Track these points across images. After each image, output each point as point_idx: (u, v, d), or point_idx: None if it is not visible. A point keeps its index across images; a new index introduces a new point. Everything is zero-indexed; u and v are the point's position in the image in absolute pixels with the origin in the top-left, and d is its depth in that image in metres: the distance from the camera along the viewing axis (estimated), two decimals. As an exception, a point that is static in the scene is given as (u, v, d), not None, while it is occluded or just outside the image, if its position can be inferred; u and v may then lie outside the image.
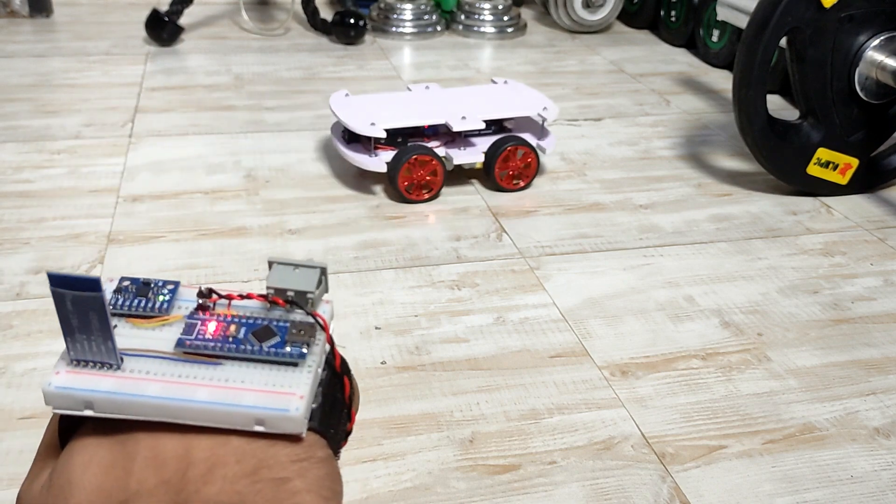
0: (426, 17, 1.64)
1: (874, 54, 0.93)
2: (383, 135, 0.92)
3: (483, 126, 0.96)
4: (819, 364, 0.71)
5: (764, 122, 0.95)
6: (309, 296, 0.27)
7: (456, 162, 0.96)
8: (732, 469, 0.59)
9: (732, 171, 1.08)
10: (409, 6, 1.63)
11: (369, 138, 0.95)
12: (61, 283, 0.24)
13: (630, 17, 1.76)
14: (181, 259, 0.82)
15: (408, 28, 1.63)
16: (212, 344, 0.26)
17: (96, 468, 0.24)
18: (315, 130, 1.15)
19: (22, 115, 1.16)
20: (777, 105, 1.31)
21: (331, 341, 0.27)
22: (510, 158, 0.97)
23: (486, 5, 1.66)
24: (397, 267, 0.83)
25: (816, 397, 0.67)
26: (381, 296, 0.78)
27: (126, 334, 0.26)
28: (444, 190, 0.98)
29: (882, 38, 0.93)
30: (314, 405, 0.25)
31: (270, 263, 0.28)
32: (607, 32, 1.72)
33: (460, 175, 1.02)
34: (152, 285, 0.28)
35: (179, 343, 0.26)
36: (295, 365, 0.26)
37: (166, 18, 1.47)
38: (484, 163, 0.97)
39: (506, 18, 1.67)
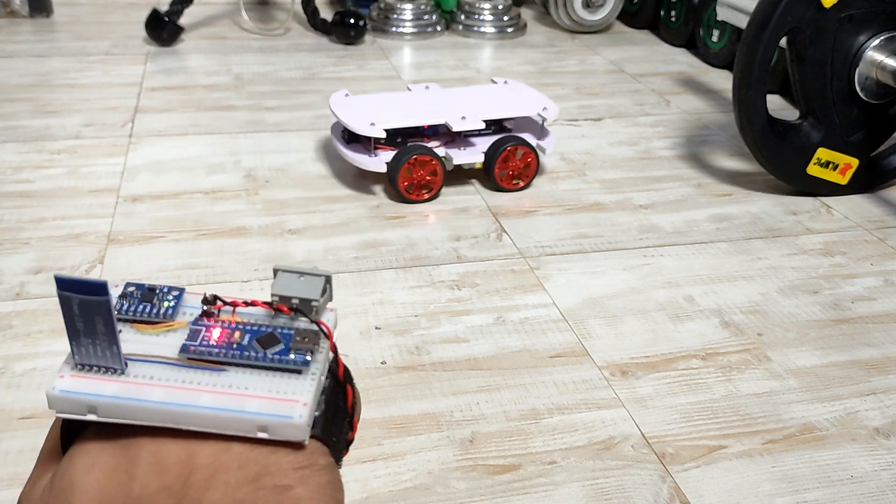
0: (426, 17, 1.64)
1: (874, 54, 0.93)
2: (383, 135, 0.92)
3: (483, 126, 0.96)
4: (819, 364, 0.71)
5: (764, 122, 0.95)
6: (313, 304, 0.27)
7: (456, 162, 0.96)
8: (732, 469, 0.59)
9: (732, 171, 1.08)
10: (409, 6, 1.63)
11: (369, 138, 0.95)
12: (68, 287, 0.24)
13: (630, 17, 1.76)
14: (181, 259, 0.82)
15: (408, 28, 1.63)
16: (216, 350, 0.26)
17: (98, 472, 0.24)
18: (315, 130, 1.15)
19: (22, 115, 1.16)
20: (777, 105, 1.31)
21: (334, 349, 0.27)
22: (510, 158, 0.97)
23: (486, 5, 1.66)
24: (397, 267, 0.83)
25: (816, 397, 0.67)
26: (381, 296, 0.78)
27: (130, 340, 0.26)
28: (444, 190, 0.98)
29: (882, 38, 0.93)
30: (317, 413, 0.25)
31: (275, 271, 0.28)
32: (607, 32, 1.72)
33: (460, 175, 1.02)
34: (157, 291, 0.28)
35: (184, 349, 0.26)
36: (298, 372, 0.26)
37: (166, 18, 1.47)
38: (484, 163, 0.97)
39: (506, 18, 1.67)
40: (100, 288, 0.24)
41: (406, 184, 0.94)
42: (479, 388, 0.66)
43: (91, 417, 0.25)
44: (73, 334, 0.25)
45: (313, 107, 1.24)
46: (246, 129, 1.15)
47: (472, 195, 0.98)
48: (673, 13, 1.63)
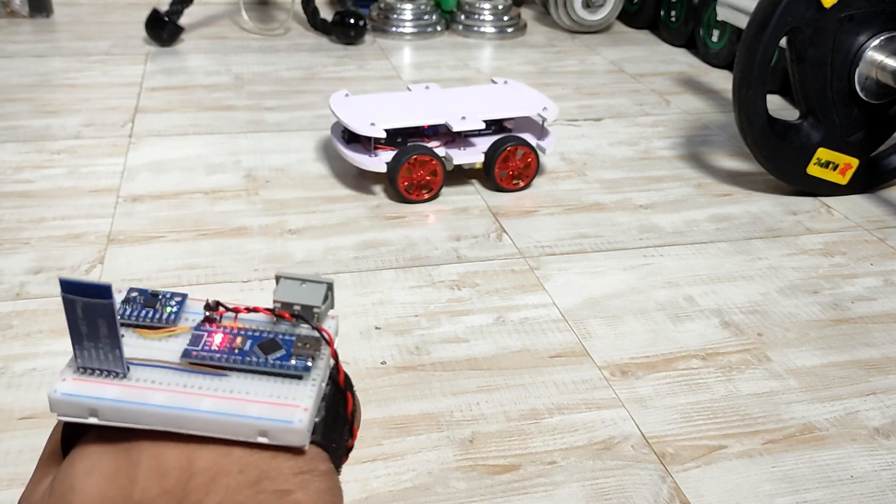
0: (426, 17, 1.64)
1: (874, 54, 0.93)
2: (383, 135, 0.92)
3: (483, 126, 0.96)
4: (819, 364, 0.71)
5: (764, 122, 0.95)
6: (315, 310, 0.27)
7: (456, 162, 0.96)
8: (732, 469, 0.59)
9: (732, 171, 1.08)
10: (409, 6, 1.63)
11: (369, 138, 0.95)
12: (72, 290, 0.24)
13: (630, 17, 1.76)
14: (181, 259, 0.82)
15: (408, 28, 1.63)
16: (217, 355, 0.26)
17: (99, 476, 0.24)
18: (315, 130, 1.15)
19: (22, 115, 1.16)
20: (777, 105, 1.31)
21: (335, 356, 0.27)
22: (510, 158, 0.97)
23: (486, 5, 1.66)
24: (397, 267, 0.83)
25: (816, 397, 0.67)
26: (381, 296, 0.78)
27: (133, 344, 0.26)
28: (444, 190, 0.98)
29: (882, 38, 0.93)
30: (317, 419, 0.25)
31: (278, 278, 0.28)
32: (607, 32, 1.72)
33: (460, 175, 1.02)
34: (160, 297, 0.28)
35: (185, 354, 0.26)
36: (299, 378, 0.26)
37: (166, 18, 1.47)
38: (484, 163, 0.97)
39: (506, 18, 1.67)
40: (104, 291, 0.24)
41: (406, 184, 0.94)
42: (479, 388, 0.66)
43: (92, 421, 0.25)
44: (76, 337, 0.25)
45: (313, 107, 1.24)
46: (246, 129, 1.15)
47: (472, 195, 0.98)
48: (673, 13, 1.63)
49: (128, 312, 0.27)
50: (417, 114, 0.97)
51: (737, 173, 1.07)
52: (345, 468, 0.28)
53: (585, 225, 0.93)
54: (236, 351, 0.26)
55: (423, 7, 1.64)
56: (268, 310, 0.28)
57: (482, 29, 1.66)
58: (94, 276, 0.79)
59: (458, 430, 0.62)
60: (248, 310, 0.28)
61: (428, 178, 0.94)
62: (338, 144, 0.98)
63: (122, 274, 0.79)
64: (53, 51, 1.45)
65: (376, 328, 0.73)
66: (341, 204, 0.95)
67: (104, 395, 0.25)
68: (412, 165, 0.93)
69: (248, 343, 0.26)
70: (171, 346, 0.26)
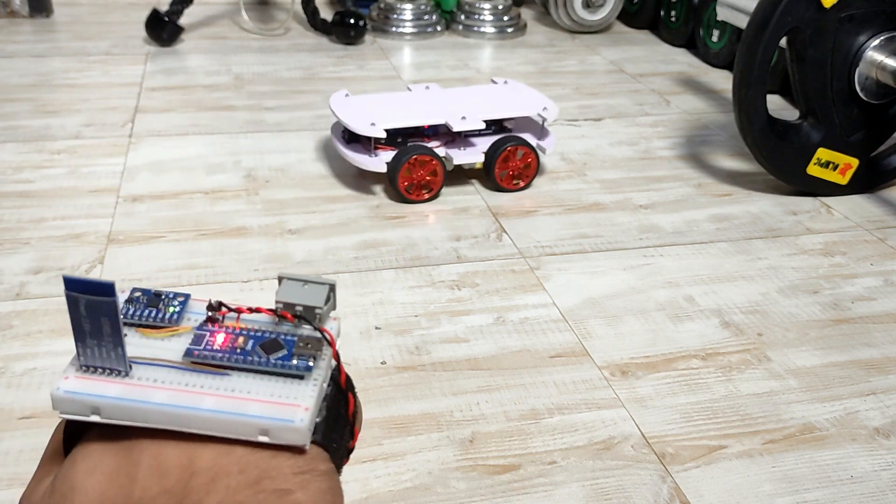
0: (426, 17, 1.64)
1: (874, 54, 0.93)
2: (383, 135, 0.92)
3: (483, 126, 0.96)
4: (819, 364, 0.71)
5: (764, 122, 0.95)
6: (317, 311, 0.27)
7: (456, 162, 0.96)
8: (732, 469, 0.59)
9: (732, 171, 1.08)
10: (409, 6, 1.63)
11: (369, 138, 0.95)
12: (76, 287, 0.24)
13: (630, 17, 1.76)
14: (181, 259, 0.82)
15: (408, 28, 1.63)
16: (219, 354, 0.26)
17: (100, 475, 0.24)
18: (315, 130, 1.15)
19: (22, 115, 1.16)
20: (777, 105, 1.31)
21: (337, 357, 0.27)
22: (510, 158, 0.97)
23: (486, 5, 1.66)
24: (397, 267, 0.83)
25: (816, 397, 0.67)
26: (381, 296, 0.78)
27: (135, 343, 0.27)
28: (444, 190, 0.98)
29: (882, 38, 0.93)
30: (318, 419, 0.26)
31: (280, 279, 0.28)
32: (607, 32, 1.72)
33: (460, 175, 1.02)
34: (163, 296, 0.28)
35: (188, 353, 0.26)
36: (301, 378, 0.26)
37: (166, 18, 1.47)
38: (484, 163, 0.97)
39: (506, 18, 1.67)
40: (107, 288, 0.24)
41: (406, 184, 0.94)
42: (479, 388, 0.66)
43: (94, 419, 0.25)
44: (79, 335, 0.25)
45: (313, 107, 1.24)
46: (246, 129, 1.15)
47: (472, 195, 0.98)
48: (673, 13, 1.63)
49: (131, 312, 0.27)
50: (417, 114, 0.97)
51: (737, 173, 1.07)
52: (345, 468, 0.28)
53: (585, 225, 0.93)
54: (238, 350, 0.26)
55: (423, 7, 1.64)
56: (270, 310, 0.28)
57: (482, 29, 1.66)
58: (94, 277, 0.79)
59: (458, 430, 0.62)
60: (251, 310, 0.28)
61: (428, 178, 0.94)
62: (338, 144, 0.98)
63: (122, 274, 0.79)
64: (53, 51, 1.45)
65: (376, 328, 0.73)
66: (341, 204, 0.95)
67: (106, 393, 0.25)
68: (412, 165, 0.93)
69: (250, 343, 0.26)
70: (173, 346, 0.27)
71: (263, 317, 0.28)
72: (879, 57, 0.93)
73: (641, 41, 1.67)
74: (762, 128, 0.95)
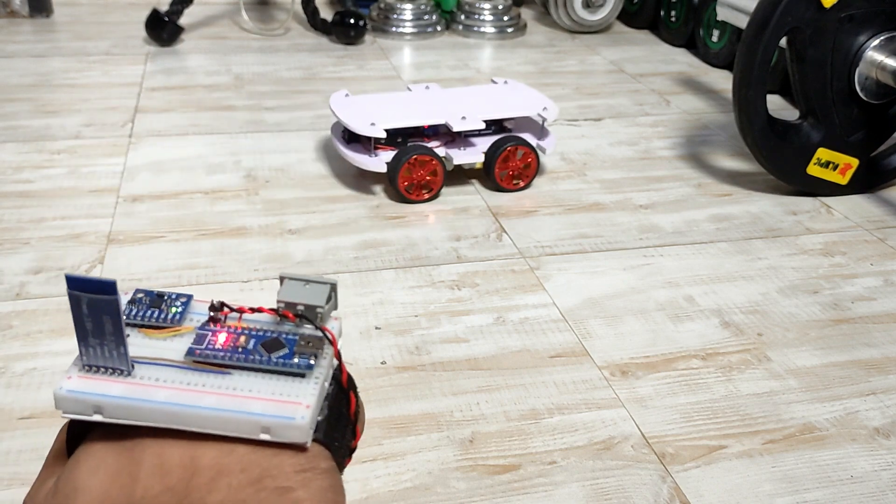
0: (426, 17, 1.64)
1: (874, 54, 0.93)
2: (383, 135, 0.92)
3: (483, 126, 0.96)
4: (819, 364, 0.71)
5: (764, 122, 0.95)
6: (318, 310, 0.27)
7: (456, 162, 0.96)
8: (732, 469, 0.59)
9: (732, 171, 1.08)
10: (409, 6, 1.63)
11: (369, 138, 0.95)
12: (78, 286, 0.24)
13: (630, 17, 1.76)
14: (181, 259, 0.82)
15: (408, 28, 1.63)
16: (221, 353, 0.26)
17: (103, 475, 0.24)
18: (315, 130, 1.15)
19: (22, 115, 1.16)
20: (777, 105, 1.31)
21: (338, 356, 0.27)
22: (510, 158, 0.97)
23: (486, 5, 1.66)
24: (397, 267, 0.83)
25: (816, 397, 0.67)
26: (381, 296, 0.78)
27: (138, 344, 0.27)
28: (444, 190, 0.98)
29: (882, 38, 0.93)
30: (320, 417, 0.26)
31: (282, 279, 0.29)
32: (607, 32, 1.72)
33: (460, 175, 1.02)
34: (166, 297, 0.28)
35: (189, 352, 0.26)
36: (302, 376, 0.26)
37: (166, 18, 1.47)
38: (484, 163, 0.97)
39: (506, 18, 1.67)
40: (109, 287, 0.24)
41: (406, 184, 0.94)
42: (479, 388, 0.66)
43: (97, 418, 0.25)
44: (82, 335, 0.25)
45: (313, 107, 1.24)
46: (246, 129, 1.15)
47: (472, 195, 0.98)
48: (673, 13, 1.63)
49: (133, 313, 0.28)
50: (417, 114, 0.97)
51: (737, 173, 1.07)
52: (345, 468, 0.28)
53: (585, 225, 0.93)
54: (240, 349, 0.26)
55: (423, 7, 1.64)
56: (272, 310, 0.28)
57: (482, 29, 1.66)
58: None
59: (458, 430, 0.62)
60: (253, 310, 0.28)
61: (428, 178, 0.94)
62: (338, 144, 0.98)
63: (122, 274, 0.79)
64: (53, 51, 1.45)
65: (376, 328, 0.73)
66: (341, 204, 0.95)
67: (109, 392, 0.25)
68: (412, 165, 0.93)
69: (252, 342, 0.27)
70: (175, 346, 0.27)
71: (265, 316, 0.28)
72: (879, 57, 0.93)
73: (641, 41, 1.67)
74: (762, 128, 0.95)
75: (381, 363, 0.69)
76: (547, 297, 0.79)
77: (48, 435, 0.60)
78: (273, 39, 1.58)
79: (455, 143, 0.99)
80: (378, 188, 0.98)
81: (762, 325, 0.76)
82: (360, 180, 1.00)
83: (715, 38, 1.51)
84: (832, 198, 1.01)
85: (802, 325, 0.76)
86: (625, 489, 0.57)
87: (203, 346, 0.26)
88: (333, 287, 0.28)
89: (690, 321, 0.76)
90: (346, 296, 0.78)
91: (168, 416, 0.24)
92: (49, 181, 0.97)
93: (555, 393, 0.66)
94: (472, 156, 0.97)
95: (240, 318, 0.28)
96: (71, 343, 0.68)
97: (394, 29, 1.62)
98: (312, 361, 0.26)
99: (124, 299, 0.28)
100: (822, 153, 0.98)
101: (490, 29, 1.66)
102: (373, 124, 0.92)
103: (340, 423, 0.27)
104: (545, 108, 1.00)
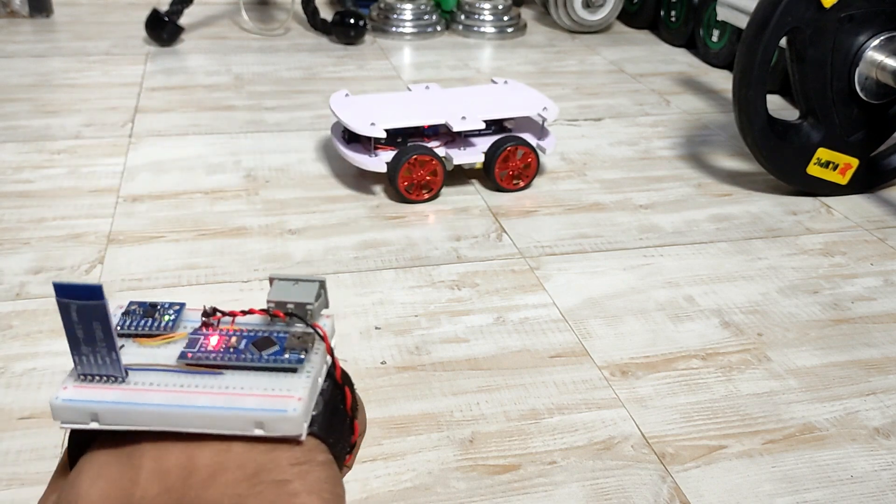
0: (426, 17, 1.64)
1: (874, 54, 0.93)
2: (383, 135, 0.92)
3: (483, 126, 0.96)
4: (819, 364, 0.71)
5: (764, 122, 0.95)
6: (308, 307, 0.28)
7: (456, 162, 0.96)
8: (732, 469, 0.59)
9: (732, 171, 1.08)
10: (409, 6, 1.63)
11: (369, 138, 0.95)
12: (66, 293, 0.24)
13: (630, 17, 1.76)
14: (181, 259, 0.82)
15: (408, 28, 1.63)
16: (213, 354, 0.26)
17: (104, 482, 0.24)
18: (315, 130, 1.15)
19: (22, 115, 1.16)
20: (777, 105, 1.31)
21: (331, 352, 0.27)
22: (510, 158, 0.97)
23: (486, 5, 1.66)
24: (397, 267, 0.83)
25: (816, 397, 0.67)
26: (381, 296, 0.78)
27: (132, 352, 0.27)
28: (444, 190, 0.98)
29: (882, 38, 0.93)
30: (314, 412, 0.26)
31: (271, 280, 0.29)
32: (607, 32, 1.72)
33: (460, 175, 1.02)
34: (159, 307, 0.29)
35: (182, 355, 0.27)
36: (294, 370, 0.26)
37: (166, 18, 1.47)
38: (484, 163, 0.97)
39: (506, 18, 1.67)
40: (96, 291, 0.24)
41: (406, 184, 0.94)
42: (479, 388, 0.66)
43: (94, 426, 0.25)
44: (74, 344, 0.25)
45: (313, 107, 1.24)
46: (246, 129, 1.15)
47: (472, 195, 0.98)
48: (673, 13, 1.63)
49: (128, 323, 0.28)
50: (417, 114, 0.97)
51: (737, 173, 1.07)
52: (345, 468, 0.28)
53: (585, 225, 0.93)
54: (231, 349, 0.27)
55: (423, 7, 1.64)
56: (263, 310, 0.28)
57: (482, 29, 1.66)
58: (94, 277, 0.79)
59: (458, 430, 0.62)
60: (244, 313, 0.28)
61: (428, 178, 0.94)
62: (338, 144, 0.98)
63: (122, 274, 0.79)
64: (53, 51, 1.45)
65: (376, 328, 0.73)
66: (341, 204, 0.95)
67: (104, 399, 0.25)
68: (412, 165, 0.93)
69: (243, 342, 0.27)
70: (169, 352, 0.27)
71: (256, 317, 0.28)
72: (879, 57, 0.93)
73: (641, 41, 1.67)
74: (762, 128, 0.95)
75: (381, 363, 0.69)
76: (547, 297, 0.79)
77: (48, 435, 0.60)
78: (273, 39, 1.58)
79: (455, 143, 0.99)
80: (378, 188, 0.98)
81: (762, 325, 0.76)
82: (360, 180, 1.00)
83: (715, 38, 1.51)
84: (832, 198, 1.01)
85: (802, 325, 0.76)
86: (625, 489, 0.57)
87: (195, 349, 0.27)
88: (322, 284, 0.29)
89: (690, 321, 0.76)
90: (346, 296, 0.78)
91: (163, 418, 0.25)
92: (49, 181, 0.97)
93: (555, 393, 0.66)
94: (472, 156, 0.97)
95: (232, 321, 0.28)
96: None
97: (394, 29, 1.62)
98: (303, 356, 0.26)
99: (118, 311, 0.28)
100: (822, 153, 0.98)
101: (490, 29, 1.66)
102: (373, 124, 0.92)
103: (336, 417, 0.27)
104: (545, 108, 1.00)
